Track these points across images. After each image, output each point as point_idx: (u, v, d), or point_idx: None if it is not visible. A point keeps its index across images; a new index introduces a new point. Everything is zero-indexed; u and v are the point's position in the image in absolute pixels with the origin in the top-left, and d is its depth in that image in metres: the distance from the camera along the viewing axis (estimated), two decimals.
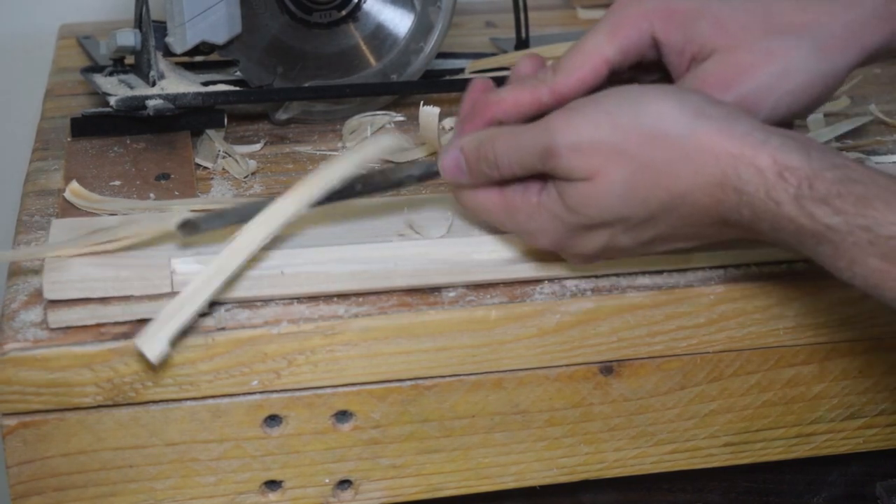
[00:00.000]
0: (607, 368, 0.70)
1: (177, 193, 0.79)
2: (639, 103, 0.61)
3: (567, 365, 0.70)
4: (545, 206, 0.64)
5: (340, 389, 0.68)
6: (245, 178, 0.84)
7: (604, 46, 0.67)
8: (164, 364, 0.65)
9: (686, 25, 0.67)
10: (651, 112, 0.61)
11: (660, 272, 0.71)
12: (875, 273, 0.56)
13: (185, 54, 0.89)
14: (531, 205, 0.64)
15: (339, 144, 0.90)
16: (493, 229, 0.70)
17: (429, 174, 0.70)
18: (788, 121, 0.68)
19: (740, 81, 0.65)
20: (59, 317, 0.65)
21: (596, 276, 0.70)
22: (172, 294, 0.65)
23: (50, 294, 0.64)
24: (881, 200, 0.56)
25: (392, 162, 0.82)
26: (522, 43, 1.01)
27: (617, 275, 0.70)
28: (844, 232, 0.57)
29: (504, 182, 0.65)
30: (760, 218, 0.59)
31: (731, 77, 0.65)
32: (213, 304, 0.67)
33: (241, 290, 0.67)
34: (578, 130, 0.61)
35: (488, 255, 0.69)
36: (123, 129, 0.88)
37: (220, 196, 0.80)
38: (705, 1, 0.67)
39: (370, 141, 0.71)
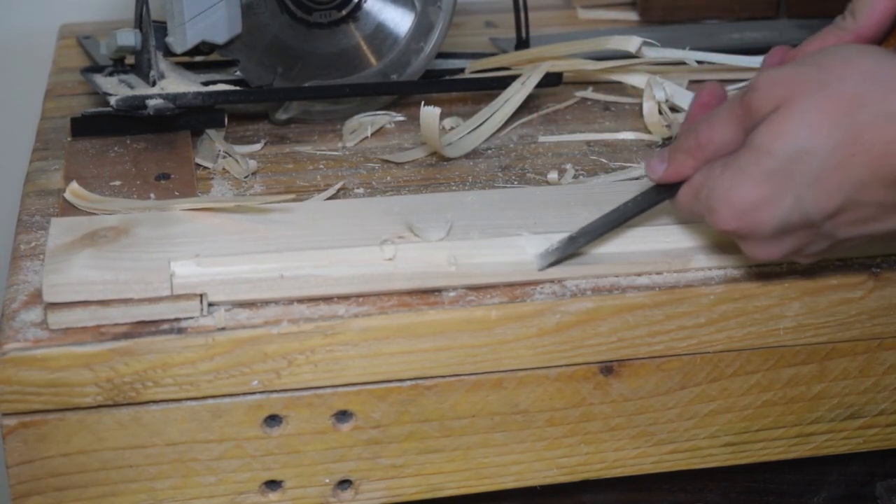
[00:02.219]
0: (607, 368, 0.70)
1: (177, 193, 0.79)
2: (840, 47, 0.62)
3: (567, 365, 0.70)
4: (730, 165, 0.62)
5: (340, 389, 0.68)
6: (245, 177, 0.84)
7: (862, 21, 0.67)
8: (164, 364, 0.65)
9: None
10: (851, 50, 0.61)
11: (660, 272, 0.71)
12: None
13: (185, 54, 0.89)
14: (713, 175, 0.63)
15: (340, 144, 0.90)
16: (493, 233, 0.70)
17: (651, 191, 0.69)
18: None
19: None
20: (59, 318, 0.65)
21: (596, 276, 0.70)
22: (173, 297, 0.65)
23: (49, 297, 0.64)
24: None
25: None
26: (522, 43, 1.01)
27: (616, 275, 0.70)
28: None
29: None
30: None
31: None
32: (212, 305, 0.67)
33: (241, 293, 0.67)
34: (779, 70, 0.62)
35: (488, 257, 0.69)
36: (123, 129, 0.88)
37: (220, 196, 0.80)
38: None
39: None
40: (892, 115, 0.59)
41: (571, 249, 0.70)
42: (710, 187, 0.63)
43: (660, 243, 0.72)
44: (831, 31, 0.67)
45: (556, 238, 0.70)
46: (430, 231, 0.70)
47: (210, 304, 0.67)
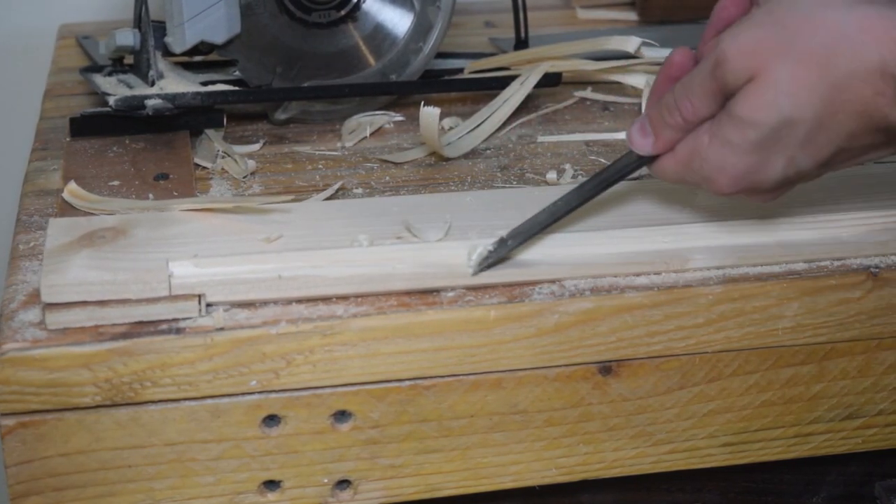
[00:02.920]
0: (606, 368, 0.70)
1: (175, 193, 0.79)
2: None
3: (566, 365, 0.70)
4: (715, 135, 0.63)
5: (339, 389, 0.68)
6: (244, 177, 0.84)
7: None
8: (163, 364, 0.65)
9: None
10: (810, 0, 0.61)
11: (658, 272, 0.71)
12: None
13: (184, 54, 0.89)
14: (702, 144, 0.64)
15: (339, 144, 0.90)
16: (491, 233, 0.70)
17: (630, 160, 0.69)
18: None
19: None
20: (57, 318, 0.65)
21: (593, 276, 0.70)
22: (171, 297, 0.65)
23: (48, 297, 0.64)
24: None
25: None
26: (522, 43, 1.01)
27: (615, 275, 0.70)
28: None
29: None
30: None
31: None
32: (211, 305, 0.67)
33: (239, 294, 0.67)
34: (743, 34, 0.62)
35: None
36: (122, 129, 0.88)
37: (218, 196, 0.80)
38: None
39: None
40: (864, 72, 0.59)
41: (504, 252, 0.70)
42: (701, 158, 0.64)
43: (657, 243, 0.72)
44: None
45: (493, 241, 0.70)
46: (428, 231, 0.70)
47: (208, 305, 0.67)
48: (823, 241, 0.73)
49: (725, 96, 0.63)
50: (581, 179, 0.82)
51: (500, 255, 0.69)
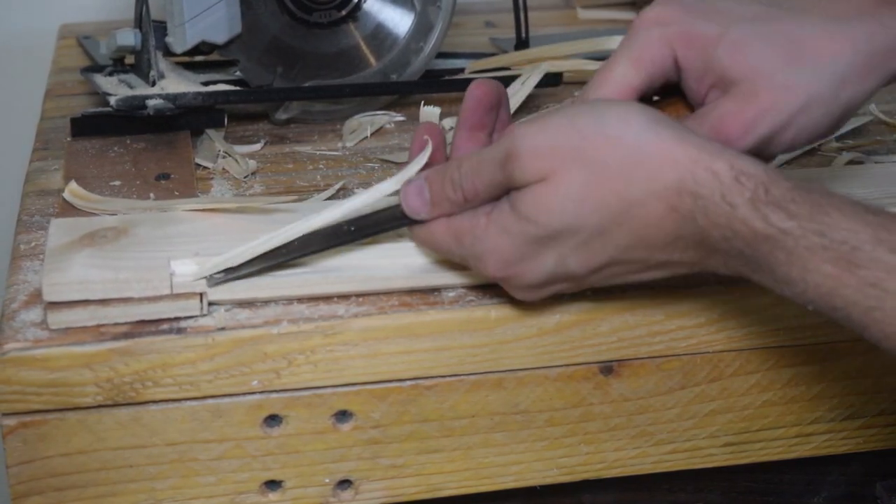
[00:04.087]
0: (607, 368, 0.70)
1: (177, 193, 0.79)
2: (602, 111, 0.61)
3: (567, 365, 0.70)
4: (494, 220, 0.63)
5: (340, 389, 0.68)
6: (245, 177, 0.84)
7: (630, 76, 0.66)
8: (164, 364, 0.65)
9: (706, 52, 0.65)
10: (612, 118, 0.60)
11: None
12: (828, 279, 0.56)
13: (185, 54, 0.89)
14: (479, 226, 0.63)
15: (339, 144, 0.90)
16: None
17: (395, 216, 0.67)
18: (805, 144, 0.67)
19: (760, 124, 0.64)
20: (59, 318, 0.65)
21: None
22: (172, 296, 0.65)
23: (49, 296, 0.64)
24: (834, 208, 0.56)
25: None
26: (522, 43, 1.01)
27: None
28: (798, 236, 0.56)
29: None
30: (715, 223, 0.58)
31: (751, 120, 0.64)
32: (212, 304, 0.67)
33: (240, 292, 0.67)
34: (540, 134, 0.61)
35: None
36: (123, 129, 0.88)
37: (219, 196, 0.80)
38: (727, 26, 0.65)
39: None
40: (661, 190, 0.59)
41: (233, 278, 0.67)
42: (475, 236, 0.64)
43: None
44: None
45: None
46: None
47: (210, 304, 0.67)
48: None
49: (511, 188, 0.62)
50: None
51: (236, 276, 0.67)
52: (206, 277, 0.66)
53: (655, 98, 0.69)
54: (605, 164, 0.59)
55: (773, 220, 0.57)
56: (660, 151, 0.59)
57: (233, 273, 0.67)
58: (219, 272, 0.66)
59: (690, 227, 0.59)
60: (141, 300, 0.65)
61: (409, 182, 0.66)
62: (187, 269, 0.66)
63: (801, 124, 0.65)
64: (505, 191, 0.63)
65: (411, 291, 0.69)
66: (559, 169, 0.60)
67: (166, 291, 0.65)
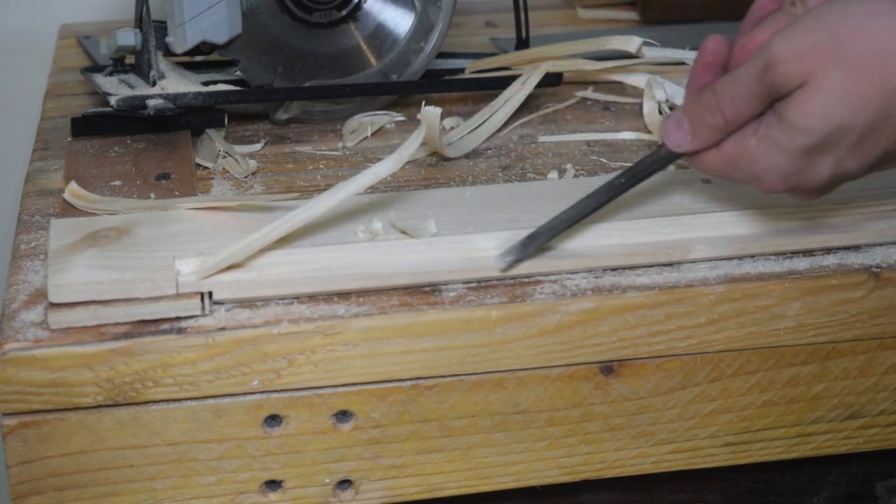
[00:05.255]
0: (607, 368, 0.70)
1: (177, 193, 0.79)
2: (847, 4, 0.62)
3: (567, 365, 0.70)
4: (764, 138, 0.63)
5: (341, 389, 0.68)
6: (245, 177, 0.84)
7: None
8: (164, 364, 0.65)
9: None
10: (860, 10, 0.61)
11: (660, 272, 0.71)
12: None
13: (185, 54, 0.89)
14: (750, 147, 0.64)
15: (340, 144, 0.90)
16: (484, 227, 0.70)
17: (660, 156, 0.69)
18: None
19: None
20: (60, 318, 0.65)
21: (596, 276, 0.70)
22: (174, 296, 0.65)
23: (55, 297, 0.64)
24: None
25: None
26: (522, 43, 1.01)
27: (617, 267, 0.70)
28: None
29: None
30: None
31: None
32: (215, 303, 0.67)
33: (240, 291, 0.67)
34: (793, 37, 0.62)
35: (490, 251, 0.69)
36: (124, 129, 0.88)
37: (220, 195, 0.80)
38: None
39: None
40: None
41: (533, 247, 0.70)
42: (749, 158, 0.64)
43: (659, 234, 0.72)
44: (771, 23, 0.66)
45: (519, 236, 0.70)
46: (421, 227, 0.70)
47: (214, 303, 0.67)
48: (819, 228, 0.73)
49: (773, 99, 0.63)
50: (581, 179, 0.81)
51: (528, 251, 0.69)
52: (501, 256, 0.69)
53: None
54: (861, 57, 0.60)
55: None
56: None
57: (532, 243, 0.69)
58: (510, 249, 0.69)
59: None
60: (143, 300, 0.65)
61: (667, 117, 0.67)
62: (192, 268, 0.66)
63: None
64: (767, 104, 0.63)
65: (411, 291, 0.69)
66: (819, 70, 0.61)
67: (172, 291, 0.65)
